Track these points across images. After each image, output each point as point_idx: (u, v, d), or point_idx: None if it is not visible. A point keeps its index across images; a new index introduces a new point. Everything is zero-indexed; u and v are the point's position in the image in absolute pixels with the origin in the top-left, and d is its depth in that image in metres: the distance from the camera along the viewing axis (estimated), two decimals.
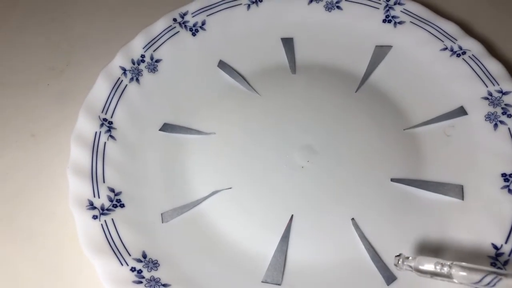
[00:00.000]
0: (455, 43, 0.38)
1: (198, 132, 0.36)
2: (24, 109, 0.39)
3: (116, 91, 0.36)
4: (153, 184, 0.34)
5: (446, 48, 0.38)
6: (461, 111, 0.36)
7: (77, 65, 0.41)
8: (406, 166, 0.34)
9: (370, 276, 0.30)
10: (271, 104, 0.37)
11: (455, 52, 0.38)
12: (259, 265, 0.31)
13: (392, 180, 0.34)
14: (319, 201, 0.33)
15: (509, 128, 0.34)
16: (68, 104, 0.39)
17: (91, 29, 0.43)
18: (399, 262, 0.28)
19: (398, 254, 0.29)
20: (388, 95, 0.38)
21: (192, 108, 0.37)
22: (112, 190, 0.32)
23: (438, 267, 0.27)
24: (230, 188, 0.34)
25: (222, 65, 0.39)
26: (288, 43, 0.40)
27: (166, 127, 0.36)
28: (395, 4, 0.40)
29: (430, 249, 0.31)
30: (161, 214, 0.32)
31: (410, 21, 0.40)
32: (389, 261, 0.31)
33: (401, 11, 0.40)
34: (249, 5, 0.41)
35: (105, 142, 0.34)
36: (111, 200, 0.32)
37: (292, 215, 0.32)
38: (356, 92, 0.38)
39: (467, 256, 0.30)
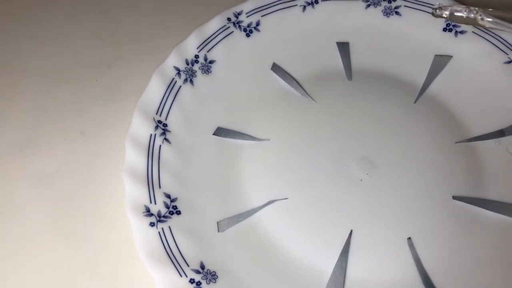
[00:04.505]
0: None
1: (252, 137, 0.35)
2: (72, 106, 0.38)
3: (170, 92, 0.35)
4: (207, 190, 0.33)
5: (510, 61, 0.37)
6: None
7: (126, 62, 0.40)
8: (467, 183, 0.33)
9: None
10: (327, 112, 0.36)
11: None
12: (317, 281, 0.30)
13: (454, 197, 0.33)
14: (378, 217, 0.32)
15: None
16: (116, 101, 0.38)
17: (140, 24, 0.42)
18: (437, 11, 0.31)
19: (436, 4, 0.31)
20: (448, 107, 0.37)
21: (245, 112, 0.36)
22: (168, 196, 0.31)
23: (471, 14, 0.30)
24: (287, 198, 0.33)
25: (276, 68, 0.38)
26: (343, 47, 0.39)
27: (220, 131, 0.35)
28: None
29: (492, 276, 0.30)
30: (217, 222, 0.32)
31: (473, 31, 0.38)
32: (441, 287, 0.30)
33: None
34: (304, 7, 0.40)
35: (160, 145, 0.33)
36: (167, 207, 0.31)
37: (352, 230, 0.32)
38: (415, 102, 0.37)
39: None
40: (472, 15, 0.31)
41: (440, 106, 0.37)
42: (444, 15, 0.32)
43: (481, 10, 0.31)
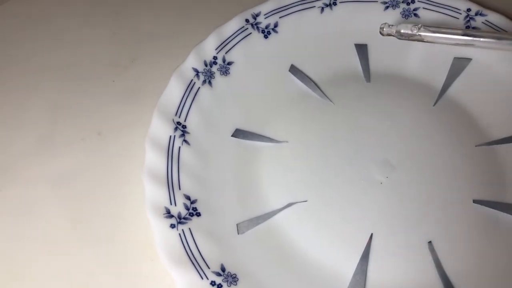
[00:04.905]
0: None
1: (270, 139, 0.35)
2: (90, 106, 0.38)
3: (189, 93, 0.35)
4: (226, 192, 0.33)
5: None
6: None
7: (143, 62, 0.40)
8: (488, 187, 0.33)
9: None
10: (346, 114, 0.36)
11: None
12: (338, 284, 0.30)
13: (474, 201, 0.32)
14: (398, 220, 0.32)
15: None
16: (134, 102, 0.38)
17: (156, 25, 0.42)
18: (384, 29, 0.36)
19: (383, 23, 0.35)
20: (467, 110, 0.36)
21: (263, 114, 0.36)
22: (188, 197, 0.31)
23: (414, 30, 0.34)
24: (306, 201, 0.33)
25: (294, 69, 0.38)
26: (362, 49, 0.39)
27: (238, 133, 0.35)
28: (476, 14, 0.38)
29: None
30: (237, 224, 0.32)
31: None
32: None
33: (482, 22, 0.38)
34: (322, 8, 0.40)
35: (179, 147, 0.33)
36: (187, 208, 0.31)
37: (372, 234, 0.31)
38: (434, 105, 0.36)
39: None
40: (415, 31, 0.35)
41: (460, 109, 0.36)
42: (391, 33, 0.36)
43: (423, 26, 0.35)
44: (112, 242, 0.32)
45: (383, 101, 0.37)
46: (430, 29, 0.35)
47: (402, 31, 0.36)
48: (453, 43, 0.36)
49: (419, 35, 0.35)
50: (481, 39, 0.35)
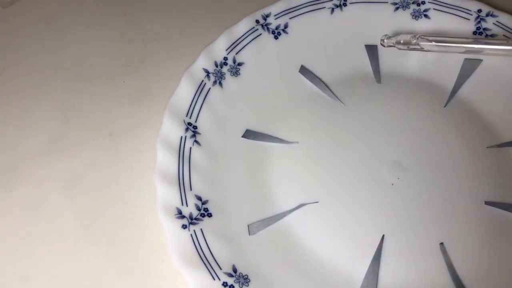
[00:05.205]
0: None
1: (280, 140, 0.35)
2: (100, 107, 0.38)
3: (200, 94, 0.35)
4: (237, 193, 0.33)
5: None
6: None
7: (153, 63, 0.40)
8: (500, 189, 0.33)
9: None
10: (356, 114, 0.36)
11: None
12: (350, 285, 0.30)
13: (486, 203, 0.32)
14: (410, 221, 0.32)
15: None
16: (145, 103, 0.38)
17: (165, 25, 0.42)
18: (384, 41, 0.37)
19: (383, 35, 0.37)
20: (478, 112, 0.36)
21: (273, 115, 0.36)
22: (199, 198, 0.31)
23: (413, 40, 0.36)
24: (317, 202, 0.32)
25: (304, 70, 0.38)
26: (372, 50, 0.39)
27: (249, 134, 0.35)
28: (487, 15, 0.38)
29: None
30: (248, 225, 0.32)
31: (504, 35, 0.38)
32: None
33: (493, 23, 0.38)
34: (333, 9, 0.39)
35: (190, 148, 0.33)
36: (198, 209, 0.31)
37: (384, 235, 0.31)
38: (445, 106, 0.36)
39: None
40: (414, 41, 0.36)
41: (470, 110, 0.36)
42: (391, 44, 0.37)
43: (421, 36, 0.36)
44: (123, 243, 0.32)
45: (393, 102, 0.37)
46: (429, 38, 0.36)
47: (401, 41, 0.37)
48: (452, 52, 0.37)
49: (418, 44, 0.36)
50: (485, 46, 0.36)
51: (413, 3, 0.39)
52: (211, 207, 0.31)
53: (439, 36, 0.37)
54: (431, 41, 0.36)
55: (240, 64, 0.37)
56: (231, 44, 0.37)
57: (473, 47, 0.36)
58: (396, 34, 0.37)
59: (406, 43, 0.37)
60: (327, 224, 0.32)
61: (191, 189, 0.31)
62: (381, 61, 0.39)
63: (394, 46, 0.37)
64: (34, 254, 0.32)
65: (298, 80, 0.38)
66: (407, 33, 0.37)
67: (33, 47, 0.41)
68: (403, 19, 0.39)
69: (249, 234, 0.31)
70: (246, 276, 0.29)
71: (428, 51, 0.37)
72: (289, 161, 0.34)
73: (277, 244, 0.31)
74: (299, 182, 0.33)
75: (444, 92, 0.37)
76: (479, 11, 0.38)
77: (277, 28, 0.38)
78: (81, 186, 0.34)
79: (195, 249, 0.29)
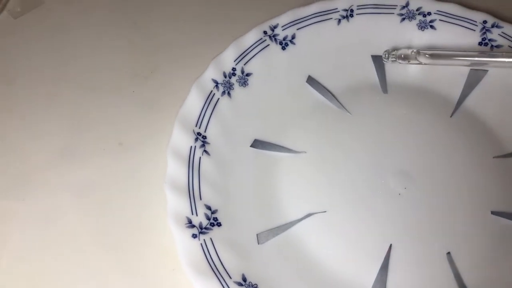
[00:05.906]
0: None
1: (288, 150, 0.36)
2: (110, 117, 0.38)
3: (209, 104, 0.35)
4: (246, 202, 0.33)
5: None
6: None
7: (162, 73, 0.41)
8: (506, 198, 0.33)
9: None
10: (363, 124, 0.37)
11: None
12: None
13: (492, 212, 0.33)
14: (417, 231, 0.32)
15: None
16: (154, 113, 0.38)
17: (174, 36, 0.43)
18: (386, 55, 0.38)
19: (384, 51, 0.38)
20: (484, 122, 0.37)
21: (281, 125, 0.37)
22: (209, 207, 0.32)
23: (412, 55, 0.37)
24: (325, 211, 0.33)
25: (311, 81, 0.39)
26: (378, 60, 0.39)
27: (257, 144, 0.36)
28: (492, 26, 0.39)
29: None
30: (257, 234, 0.32)
31: (509, 45, 0.38)
32: None
33: (499, 34, 0.39)
34: (339, 20, 0.40)
35: (200, 157, 0.33)
36: (208, 218, 0.31)
37: (391, 245, 0.32)
38: (451, 116, 0.37)
39: None
40: (413, 53, 0.37)
41: (477, 120, 0.37)
42: (393, 59, 0.38)
43: (419, 50, 0.37)
44: (134, 252, 0.32)
45: (400, 112, 0.37)
46: (427, 53, 0.37)
47: (402, 56, 0.38)
48: (454, 65, 0.38)
49: (417, 59, 0.37)
50: (489, 59, 0.37)
51: (419, 14, 0.40)
52: (220, 216, 0.32)
53: (439, 50, 0.38)
54: (429, 55, 0.37)
55: (248, 74, 0.37)
56: (239, 54, 0.38)
57: (477, 60, 0.37)
58: (396, 49, 0.38)
59: (406, 58, 0.38)
60: (336, 234, 0.32)
61: (200, 199, 0.32)
62: (387, 71, 0.39)
63: (396, 61, 0.38)
64: (46, 261, 0.32)
65: (306, 90, 0.38)
66: (407, 47, 0.38)
67: (44, 57, 0.42)
68: (409, 30, 0.40)
69: (258, 243, 0.32)
70: (255, 285, 0.30)
71: (427, 64, 0.38)
72: (297, 170, 0.35)
73: (285, 253, 0.32)
74: (307, 192, 0.34)
75: (450, 102, 0.37)
76: (485, 22, 0.39)
77: (284, 39, 0.39)
78: (92, 195, 0.35)
79: (205, 258, 0.30)
